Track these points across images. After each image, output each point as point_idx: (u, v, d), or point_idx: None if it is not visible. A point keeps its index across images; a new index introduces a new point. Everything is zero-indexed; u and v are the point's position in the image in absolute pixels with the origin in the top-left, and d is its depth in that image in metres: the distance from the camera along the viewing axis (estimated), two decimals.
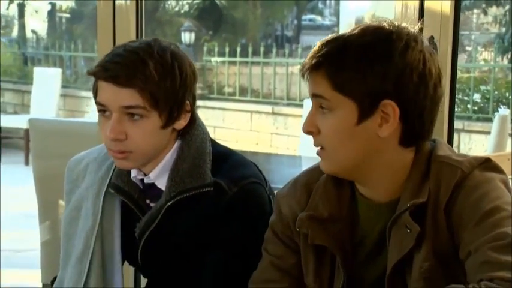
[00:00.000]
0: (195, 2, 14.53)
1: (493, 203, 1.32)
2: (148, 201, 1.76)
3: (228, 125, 8.88)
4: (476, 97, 7.68)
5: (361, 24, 1.44)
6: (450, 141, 2.03)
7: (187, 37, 10.81)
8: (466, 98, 7.66)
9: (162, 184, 1.71)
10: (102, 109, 1.65)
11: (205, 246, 1.68)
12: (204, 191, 1.67)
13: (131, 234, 1.76)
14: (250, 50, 9.37)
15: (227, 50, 9.60)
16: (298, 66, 1.50)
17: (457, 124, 6.67)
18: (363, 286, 1.49)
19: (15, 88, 10.95)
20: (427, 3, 1.98)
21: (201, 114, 1.78)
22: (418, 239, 1.38)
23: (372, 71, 1.37)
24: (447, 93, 1.99)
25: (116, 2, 2.54)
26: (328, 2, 18.58)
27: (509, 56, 9.76)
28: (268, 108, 8.78)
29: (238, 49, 9.44)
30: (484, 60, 9.25)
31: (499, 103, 7.42)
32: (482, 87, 7.82)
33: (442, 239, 1.37)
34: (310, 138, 1.47)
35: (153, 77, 1.60)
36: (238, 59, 9.49)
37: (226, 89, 9.78)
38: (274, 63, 9.38)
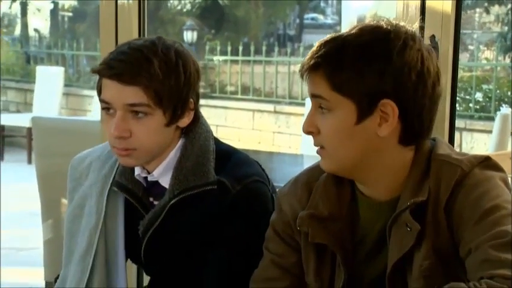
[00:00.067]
0: (197, 0, 14.53)
1: (493, 202, 1.33)
2: (151, 199, 1.77)
3: (230, 123, 8.88)
4: (478, 96, 7.66)
5: (359, 24, 1.44)
6: (451, 140, 2.04)
7: (189, 36, 10.80)
8: (468, 97, 7.65)
9: (165, 182, 1.72)
10: (107, 107, 1.65)
11: (208, 244, 1.68)
12: (208, 189, 1.67)
13: (134, 232, 1.76)
14: (252, 48, 9.37)
15: (229, 48, 9.60)
16: None
17: (459, 123, 6.67)
18: (363, 284, 1.49)
19: (17, 87, 10.96)
20: (428, 3, 1.98)
21: (203, 113, 1.79)
22: (418, 238, 1.38)
23: (370, 71, 1.37)
24: (448, 92, 1.99)
25: (119, 1, 2.55)
26: (330, 1, 18.57)
27: (511, 54, 9.75)
28: (270, 106, 8.78)
29: (241, 48, 9.44)
30: (486, 59, 9.24)
31: (501, 102, 7.41)
32: (484, 86, 7.81)
33: (442, 237, 1.38)
34: (311, 137, 1.48)
35: (157, 75, 1.61)
36: (240, 57, 9.49)
37: (228, 88, 9.77)
38: (276, 62, 9.38)
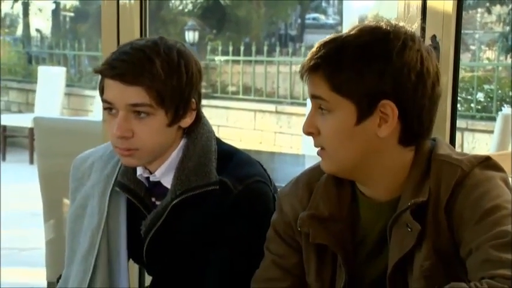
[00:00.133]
0: (198, 1, 14.53)
1: (493, 202, 1.33)
2: (153, 199, 1.77)
3: (232, 123, 8.89)
4: (480, 96, 7.66)
5: (358, 25, 1.44)
6: (452, 140, 2.03)
7: (191, 36, 10.80)
8: (469, 97, 7.64)
9: (167, 182, 1.72)
10: (109, 107, 1.66)
11: (210, 244, 1.69)
12: (210, 189, 1.68)
13: (137, 232, 1.77)
14: (253, 48, 9.37)
15: (231, 48, 9.59)
16: None
17: (461, 123, 6.66)
18: (364, 285, 1.49)
19: (19, 87, 10.96)
20: (429, 3, 1.98)
21: (205, 113, 1.79)
22: (418, 238, 1.38)
23: (369, 71, 1.37)
24: (449, 92, 1.99)
25: (120, 1, 2.55)
26: (331, 1, 18.57)
27: None
28: (271, 107, 8.78)
29: (242, 48, 9.44)
30: (488, 59, 9.23)
31: (503, 102, 7.41)
32: (486, 86, 7.80)
33: (443, 237, 1.38)
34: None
35: (159, 75, 1.61)
36: (241, 57, 9.49)
37: (230, 88, 9.77)
38: (278, 62, 9.38)
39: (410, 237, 1.39)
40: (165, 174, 1.73)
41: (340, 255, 1.48)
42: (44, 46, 13.39)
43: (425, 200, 1.39)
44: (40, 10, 15.21)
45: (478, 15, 12.31)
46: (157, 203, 1.76)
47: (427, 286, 1.38)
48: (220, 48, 9.95)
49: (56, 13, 15.47)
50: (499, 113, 5.90)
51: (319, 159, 1.52)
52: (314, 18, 17.98)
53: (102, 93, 1.67)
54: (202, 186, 1.68)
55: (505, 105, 7.25)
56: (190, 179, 1.69)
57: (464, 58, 8.72)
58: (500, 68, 7.91)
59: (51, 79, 8.71)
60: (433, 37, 1.96)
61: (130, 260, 1.87)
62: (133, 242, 1.79)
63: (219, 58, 10.00)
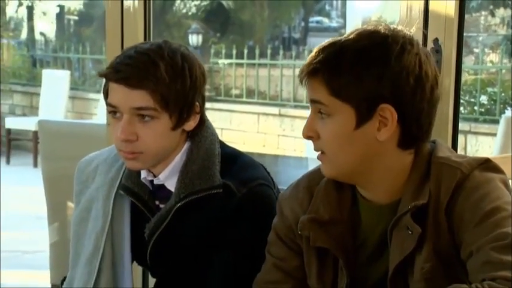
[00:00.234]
0: (202, 4, 14.54)
1: (493, 204, 1.33)
2: (157, 203, 1.78)
3: (235, 127, 8.90)
4: (483, 99, 7.66)
5: (357, 29, 1.45)
6: (455, 143, 2.03)
7: (194, 39, 10.83)
8: (472, 99, 7.64)
9: (171, 185, 1.73)
10: (113, 110, 1.66)
11: (214, 247, 1.69)
12: (213, 192, 1.68)
13: (140, 235, 1.77)
14: (257, 52, 9.37)
15: (234, 52, 9.60)
16: None
17: (464, 126, 6.67)
18: (365, 287, 1.49)
19: (24, 90, 10.99)
20: (431, 5, 1.97)
21: (208, 116, 1.79)
22: (419, 241, 1.38)
23: (368, 75, 1.37)
24: (451, 95, 1.99)
25: (124, 4, 2.56)
26: (335, 4, 18.58)
27: None
28: (275, 110, 8.79)
29: (246, 51, 9.45)
30: (491, 62, 9.22)
31: (506, 105, 7.40)
32: (489, 89, 7.80)
33: (443, 239, 1.38)
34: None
35: (163, 79, 1.62)
36: (245, 61, 9.50)
37: (233, 91, 9.78)
38: (281, 65, 9.39)
39: (410, 240, 1.39)
40: (169, 178, 1.73)
41: (341, 258, 1.48)
42: (48, 49, 13.42)
43: (426, 202, 1.39)
44: (44, 14, 15.24)
45: (482, 18, 12.29)
46: (161, 206, 1.76)
47: None
48: (223, 51, 9.97)
49: (60, 17, 15.50)
50: (502, 115, 5.90)
51: None
52: (317, 21, 18.00)
53: (106, 96, 1.68)
54: (206, 190, 1.69)
55: (508, 108, 7.25)
56: (194, 182, 1.69)
57: (468, 61, 8.72)
58: (503, 71, 7.90)
59: (55, 82, 8.73)
60: (435, 40, 1.96)
61: (134, 262, 1.88)
62: (137, 244, 1.80)
63: (222, 61, 10.02)
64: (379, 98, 1.38)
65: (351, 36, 1.42)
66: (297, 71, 1.48)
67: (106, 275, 1.78)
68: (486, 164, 1.41)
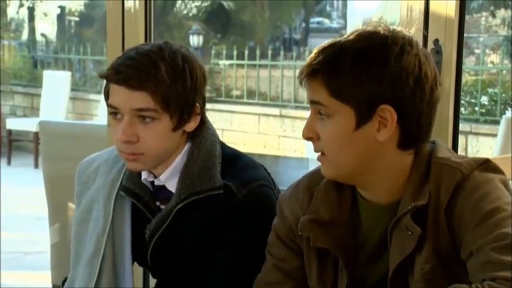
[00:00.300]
0: (203, 5, 14.55)
1: (493, 204, 1.33)
2: (158, 203, 1.78)
3: (236, 127, 8.90)
4: (484, 99, 7.66)
5: (356, 30, 1.45)
6: (455, 143, 2.03)
7: (195, 40, 10.83)
8: (473, 100, 7.64)
9: (172, 186, 1.73)
10: (114, 111, 1.67)
11: (214, 248, 1.69)
12: (214, 193, 1.68)
13: (141, 236, 1.78)
14: (258, 52, 9.38)
15: (235, 53, 9.61)
16: None
17: (465, 127, 6.67)
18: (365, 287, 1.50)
19: (25, 91, 11.00)
20: (432, 6, 1.98)
21: (209, 117, 1.79)
22: (419, 241, 1.39)
23: (368, 76, 1.37)
24: (452, 96, 1.99)
25: (125, 5, 2.57)
26: (336, 4, 18.59)
27: None
28: (275, 110, 8.79)
29: (246, 52, 9.45)
30: (492, 62, 9.22)
31: (507, 105, 7.40)
32: (490, 90, 7.80)
33: (443, 240, 1.38)
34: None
35: (164, 80, 1.62)
36: (246, 61, 9.50)
37: (234, 92, 9.78)
38: (282, 66, 9.40)
39: (410, 240, 1.39)
40: (169, 179, 1.73)
41: (342, 258, 1.48)
42: (49, 50, 13.42)
43: (426, 203, 1.40)
44: (45, 15, 15.25)
45: (483, 18, 12.29)
46: (162, 207, 1.76)
47: None
48: (224, 52, 9.96)
49: (61, 18, 15.52)
50: (503, 116, 5.90)
51: None
52: (318, 22, 18.00)
53: (107, 98, 1.68)
54: (206, 191, 1.69)
55: (509, 108, 7.25)
56: (194, 183, 1.69)
57: (469, 62, 8.72)
58: (504, 72, 7.90)
59: (56, 83, 8.74)
60: (436, 41, 1.96)
61: (135, 263, 1.88)
62: (138, 245, 1.80)
63: (223, 62, 10.01)
64: (379, 99, 1.39)
65: (351, 37, 1.43)
66: (298, 72, 1.48)
67: (107, 276, 1.78)
68: (486, 165, 1.41)
